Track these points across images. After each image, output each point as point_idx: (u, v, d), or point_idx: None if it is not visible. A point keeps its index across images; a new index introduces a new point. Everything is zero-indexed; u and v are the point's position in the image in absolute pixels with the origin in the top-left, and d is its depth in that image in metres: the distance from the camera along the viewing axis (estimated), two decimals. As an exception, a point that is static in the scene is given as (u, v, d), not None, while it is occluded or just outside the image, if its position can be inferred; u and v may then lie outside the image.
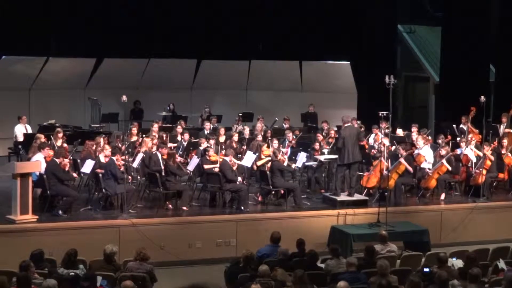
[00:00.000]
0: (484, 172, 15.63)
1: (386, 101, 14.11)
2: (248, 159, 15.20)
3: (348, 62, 22.58)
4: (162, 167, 14.20)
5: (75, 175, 14.14)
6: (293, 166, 15.20)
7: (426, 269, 9.95)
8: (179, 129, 17.33)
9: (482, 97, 17.33)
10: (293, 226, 13.81)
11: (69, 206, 13.47)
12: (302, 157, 15.74)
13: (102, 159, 14.12)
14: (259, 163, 15.02)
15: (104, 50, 20.57)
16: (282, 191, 14.87)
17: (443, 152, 15.74)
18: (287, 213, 14.43)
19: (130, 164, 14.72)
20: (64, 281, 9.20)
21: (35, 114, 19.30)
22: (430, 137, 17.26)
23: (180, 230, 13.62)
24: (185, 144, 16.41)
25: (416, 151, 15.85)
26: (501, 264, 10.80)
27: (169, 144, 16.13)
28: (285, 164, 14.95)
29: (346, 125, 14.90)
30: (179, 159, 15.52)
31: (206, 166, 14.58)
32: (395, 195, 15.32)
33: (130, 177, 14.14)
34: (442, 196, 15.65)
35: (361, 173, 15.61)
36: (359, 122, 18.48)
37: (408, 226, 14.07)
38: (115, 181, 13.64)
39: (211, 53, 21.71)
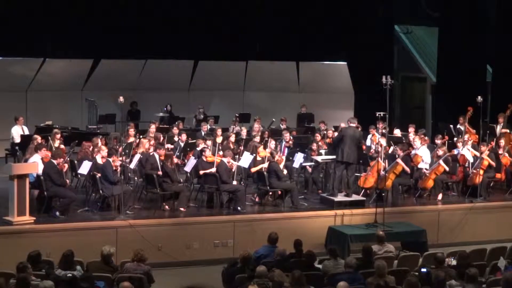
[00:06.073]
0: (481, 172, 15.64)
1: (383, 101, 14.13)
2: (246, 159, 15.20)
3: (345, 63, 22.60)
4: (159, 169, 14.20)
5: (68, 181, 14.08)
6: (285, 172, 15.14)
7: (424, 270, 9.96)
8: (175, 130, 17.33)
9: (479, 97, 17.38)
10: (290, 227, 13.81)
11: (66, 207, 13.46)
12: (299, 158, 15.74)
13: (99, 160, 14.12)
14: (253, 169, 15.00)
15: (101, 51, 20.56)
16: (279, 192, 14.88)
17: (440, 152, 15.75)
18: (284, 213, 14.44)
19: (127, 165, 14.72)
20: (61, 283, 9.18)
21: (32, 115, 19.28)
22: (427, 138, 17.28)
23: (177, 231, 13.62)
24: (182, 145, 16.42)
25: (413, 152, 15.86)
26: (501, 263, 10.80)
27: (166, 145, 16.12)
28: (281, 166, 14.93)
29: (351, 125, 14.91)
30: (176, 160, 15.52)
31: (201, 172, 14.57)
32: (392, 196, 15.34)
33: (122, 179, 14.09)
34: (439, 197, 15.66)
35: (359, 174, 15.61)
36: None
37: (406, 226, 14.08)
38: (110, 183, 13.64)
39: (208, 54, 21.71)
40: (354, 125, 15.03)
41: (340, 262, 10.78)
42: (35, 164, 13.34)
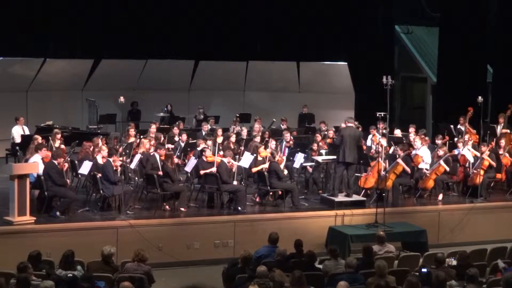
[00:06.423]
0: (482, 172, 15.64)
1: (383, 101, 14.13)
2: (246, 160, 15.20)
3: (346, 63, 22.59)
4: (160, 169, 14.20)
5: (68, 181, 14.08)
6: (285, 172, 15.14)
7: (424, 270, 9.96)
8: (176, 130, 17.33)
9: (480, 97, 17.38)
10: (291, 227, 13.80)
11: (67, 207, 13.46)
12: (299, 158, 15.74)
13: (100, 160, 14.12)
14: (254, 169, 15.00)
15: (102, 51, 20.55)
16: (280, 192, 14.87)
17: (440, 152, 15.75)
18: (285, 214, 14.43)
19: (128, 165, 14.71)
20: (62, 283, 9.18)
21: (33, 116, 19.28)
22: (427, 138, 17.28)
23: (178, 231, 13.62)
24: (182, 145, 16.42)
25: (413, 152, 15.85)
26: (501, 264, 10.81)
27: (167, 145, 16.13)
28: (281, 166, 14.94)
29: (348, 124, 14.92)
30: (176, 160, 15.52)
31: (202, 172, 14.57)
32: (392, 196, 15.33)
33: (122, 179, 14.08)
34: (440, 197, 15.65)
35: (359, 174, 15.61)
36: (356, 122, 18.55)
37: (406, 226, 14.08)
38: (111, 183, 13.64)
39: (208, 54, 21.72)
40: (352, 124, 15.00)
41: (340, 262, 10.79)
42: (36, 164, 13.34)
